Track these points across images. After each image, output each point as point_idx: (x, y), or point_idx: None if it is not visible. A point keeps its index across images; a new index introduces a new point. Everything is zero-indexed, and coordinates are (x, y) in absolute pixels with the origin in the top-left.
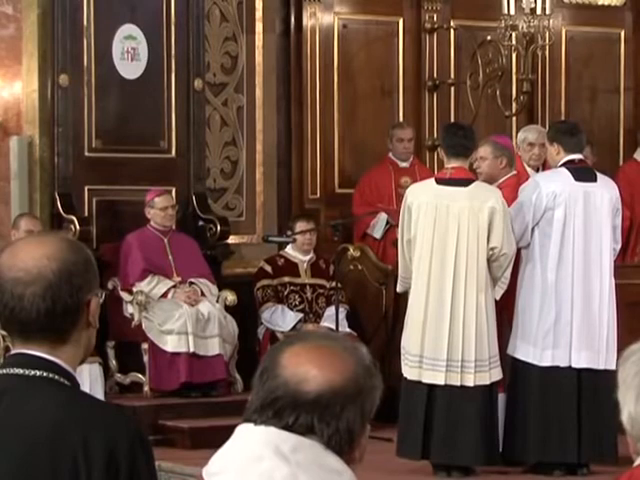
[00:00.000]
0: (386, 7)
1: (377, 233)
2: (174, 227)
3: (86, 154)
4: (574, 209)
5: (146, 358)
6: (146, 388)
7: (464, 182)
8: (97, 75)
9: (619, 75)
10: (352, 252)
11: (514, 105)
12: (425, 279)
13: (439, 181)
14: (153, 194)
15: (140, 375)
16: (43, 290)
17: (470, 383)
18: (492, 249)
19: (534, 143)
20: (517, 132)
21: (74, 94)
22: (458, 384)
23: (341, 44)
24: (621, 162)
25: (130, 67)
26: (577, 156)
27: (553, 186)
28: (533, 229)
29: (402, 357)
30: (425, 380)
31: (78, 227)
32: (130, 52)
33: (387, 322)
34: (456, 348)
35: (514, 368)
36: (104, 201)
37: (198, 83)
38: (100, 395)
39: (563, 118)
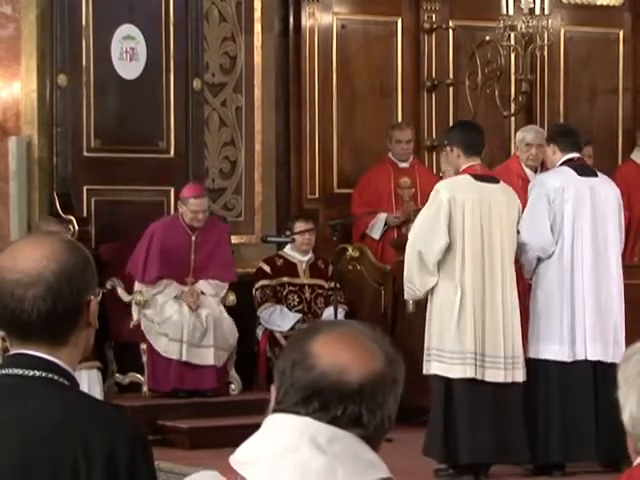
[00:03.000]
0: (385, 7)
1: (376, 234)
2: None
3: (85, 154)
4: (582, 202)
5: (145, 358)
6: (145, 388)
7: (494, 178)
8: (96, 75)
9: (618, 75)
10: (351, 252)
11: (513, 105)
12: (479, 276)
13: (476, 177)
14: (190, 193)
15: (139, 375)
16: (44, 292)
17: (520, 378)
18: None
19: (531, 144)
20: (516, 132)
21: (73, 94)
22: (510, 380)
23: (340, 44)
24: (620, 162)
25: (129, 67)
26: (574, 155)
27: (558, 181)
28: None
29: (439, 357)
30: (488, 379)
31: (77, 227)
32: (129, 52)
33: (386, 322)
34: (510, 344)
35: (535, 370)
36: (103, 201)
37: (197, 83)
38: None
39: (562, 118)
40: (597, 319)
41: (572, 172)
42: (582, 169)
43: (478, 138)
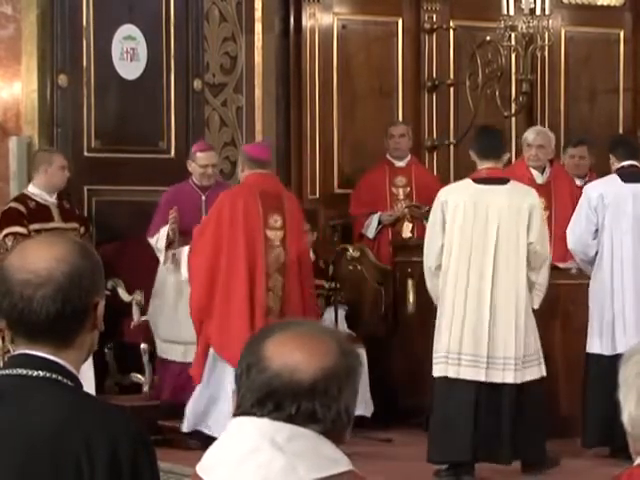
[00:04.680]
0: (385, 7)
1: (370, 233)
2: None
3: (85, 154)
4: (622, 208)
5: (145, 358)
6: (145, 388)
7: (501, 181)
8: (96, 75)
9: (618, 75)
10: (351, 252)
11: (513, 105)
12: (464, 275)
13: (477, 181)
14: (197, 147)
15: (139, 375)
16: (54, 292)
17: (510, 380)
18: (529, 244)
19: (531, 144)
20: (516, 133)
21: (73, 94)
22: (499, 381)
23: (340, 44)
24: None
25: (129, 67)
26: (627, 162)
27: (600, 189)
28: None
29: (438, 359)
30: (465, 377)
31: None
32: (129, 52)
33: (386, 322)
34: (496, 345)
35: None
36: (103, 201)
37: (197, 83)
38: None
39: (562, 119)
40: (637, 316)
41: (617, 179)
42: (629, 175)
43: (492, 142)
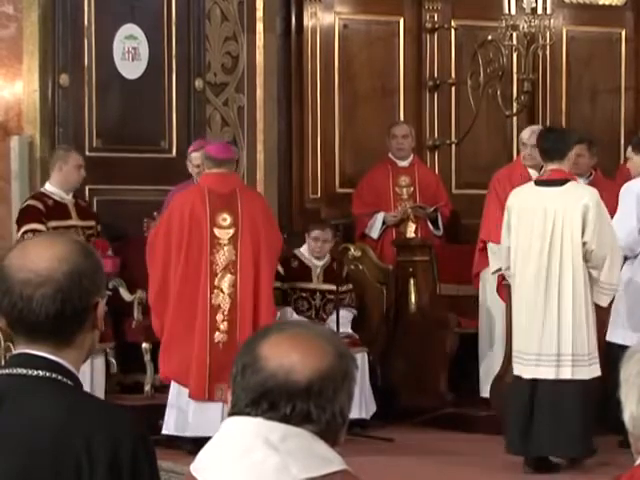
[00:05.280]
0: (387, 7)
1: (374, 233)
2: None
3: (87, 154)
4: None
5: (147, 358)
6: (147, 388)
7: (560, 182)
8: (98, 75)
9: (620, 75)
10: (353, 252)
11: (515, 105)
12: (523, 280)
13: (538, 183)
14: (192, 148)
15: (141, 375)
16: (53, 292)
17: (568, 376)
18: (584, 244)
19: (526, 143)
20: (517, 132)
21: (75, 94)
22: (552, 377)
23: (342, 44)
24: (622, 162)
25: (131, 67)
26: None
27: None
28: None
29: (515, 359)
30: (522, 375)
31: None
32: (131, 52)
33: (388, 322)
34: (545, 343)
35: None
36: (105, 201)
37: (199, 83)
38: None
39: (564, 118)
40: None
41: None
42: None
43: (554, 143)
